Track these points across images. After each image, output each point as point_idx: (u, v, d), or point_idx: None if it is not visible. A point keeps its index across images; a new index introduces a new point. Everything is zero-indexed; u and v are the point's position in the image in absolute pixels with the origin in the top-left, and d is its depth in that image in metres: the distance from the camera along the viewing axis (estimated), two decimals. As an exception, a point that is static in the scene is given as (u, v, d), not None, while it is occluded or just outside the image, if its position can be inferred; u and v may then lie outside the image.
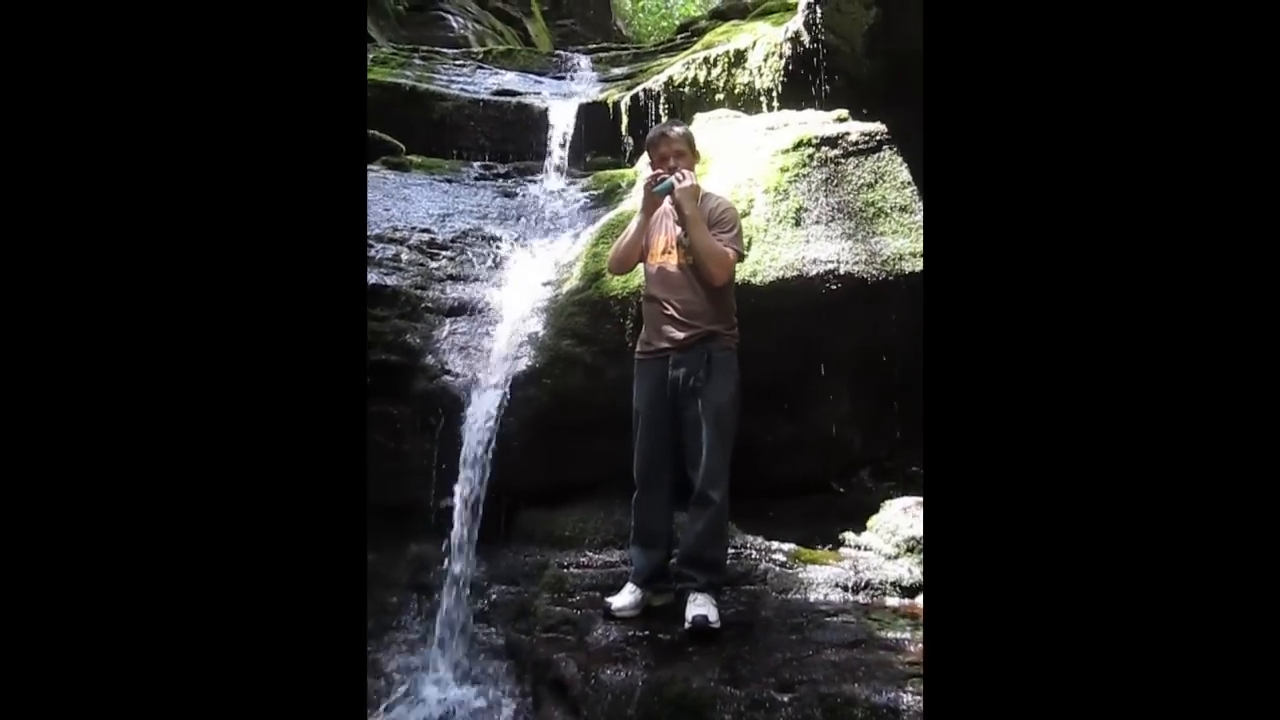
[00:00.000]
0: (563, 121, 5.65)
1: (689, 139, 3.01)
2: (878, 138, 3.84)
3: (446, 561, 3.13)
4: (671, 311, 2.81)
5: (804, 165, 3.75)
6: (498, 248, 4.24)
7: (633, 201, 4.19)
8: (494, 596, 3.19)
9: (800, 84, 4.59)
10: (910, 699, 2.12)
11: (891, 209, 3.64)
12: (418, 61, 6.73)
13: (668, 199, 2.85)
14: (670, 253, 2.87)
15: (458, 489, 3.19)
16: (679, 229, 2.85)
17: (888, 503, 3.32)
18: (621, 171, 5.04)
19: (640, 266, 3.01)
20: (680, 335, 2.78)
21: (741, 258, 2.95)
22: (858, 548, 3.18)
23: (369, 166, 4.92)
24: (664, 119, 5.30)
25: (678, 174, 2.81)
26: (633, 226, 2.96)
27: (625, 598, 2.82)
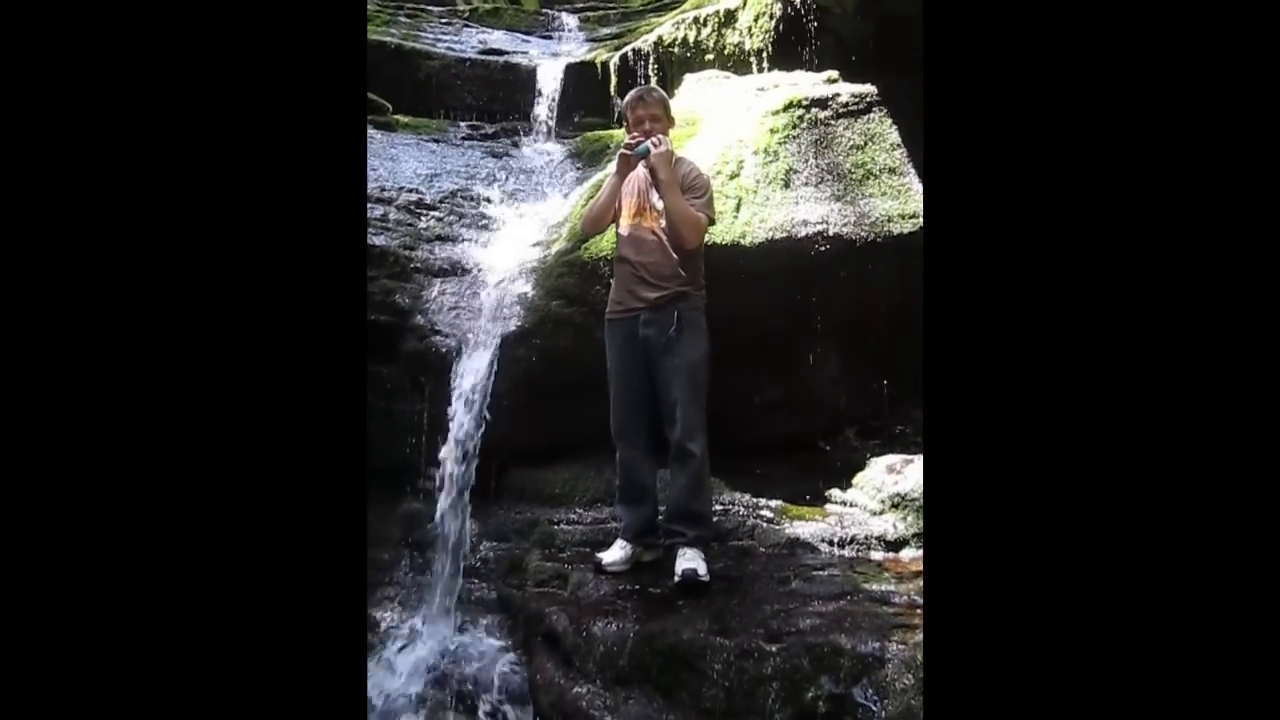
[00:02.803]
0: (550, 81, 5.61)
1: (665, 104, 3.03)
2: (868, 99, 3.83)
3: (438, 519, 3.17)
4: (643, 273, 2.84)
5: (794, 127, 3.74)
6: (486, 208, 4.23)
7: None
8: (486, 553, 3.23)
9: (790, 45, 4.57)
10: (895, 648, 2.17)
11: (881, 171, 3.66)
12: (403, 19, 6.64)
13: (642, 163, 2.86)
14: (642, 215, 2.89)
15: (448, 448, 3.22)
16: (652, 192, 2.87)
17: (873, 460, 3.38)
18: (610, 132, 5.01)
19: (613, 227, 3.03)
20: (652, 295, 2.82)
21: (712, 222, 2.98)
22: (843, 504, 3.24)
23: (355, 125, 4.87)
24: (653, 79, 5.27)
25: (654, 139, 2.84)
26: (606, 188, 2.99)
27: (615, 553, 2.87)
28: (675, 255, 2.82)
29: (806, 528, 3.07)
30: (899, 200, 3.55)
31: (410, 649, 2.96)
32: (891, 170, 3.65)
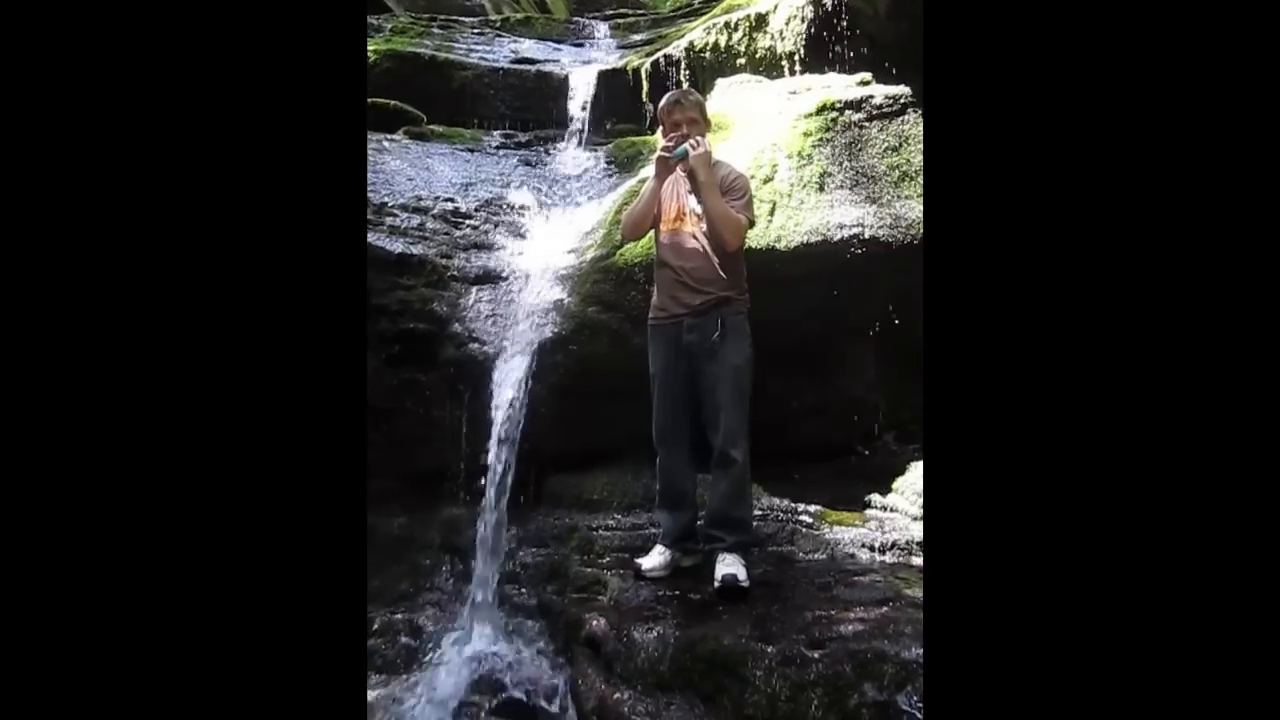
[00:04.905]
0: (583, 89, 5.63)
1: (701, 107, 3.03)
2: (901, 101, 3.81)
3: (478, 525, 3.19)
4: (685, 278, 2.83)
5: (827, 129, 3.73)
6: (521, 216, 4.26)
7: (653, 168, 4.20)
8: (525, 558, 3.25)
9: (822, 47, 4.56)
10: (938, 654, 2.16)
11: (915, 173, 3.62)
12: (436, 30, 6.71)
13: (680, 166, 2.86)
14: (682, 219, 2.89)
15: (487, 454, 3.24)
16: (691, 196, 2.87)
17: (912, 465, 3.36)
18: (643, 138, 5.03)
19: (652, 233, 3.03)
20: (695, 301, 2.82)
21: (751, 224, 2.97)
22: (883, 509, 3.22)
23: (392, 136, 4.94)
24: (685, 85, 5.27)
25: (692, 140, 2.83)
26: (646, 192, 2.99)
27: (655, 558, 2.88)
28: (716, 258, 2.82)
29: (847, 533, 3.06)
30: (935, 202, 3.53)
31: (451, 655, 2.98)
32: (927, 172, 3.63)
